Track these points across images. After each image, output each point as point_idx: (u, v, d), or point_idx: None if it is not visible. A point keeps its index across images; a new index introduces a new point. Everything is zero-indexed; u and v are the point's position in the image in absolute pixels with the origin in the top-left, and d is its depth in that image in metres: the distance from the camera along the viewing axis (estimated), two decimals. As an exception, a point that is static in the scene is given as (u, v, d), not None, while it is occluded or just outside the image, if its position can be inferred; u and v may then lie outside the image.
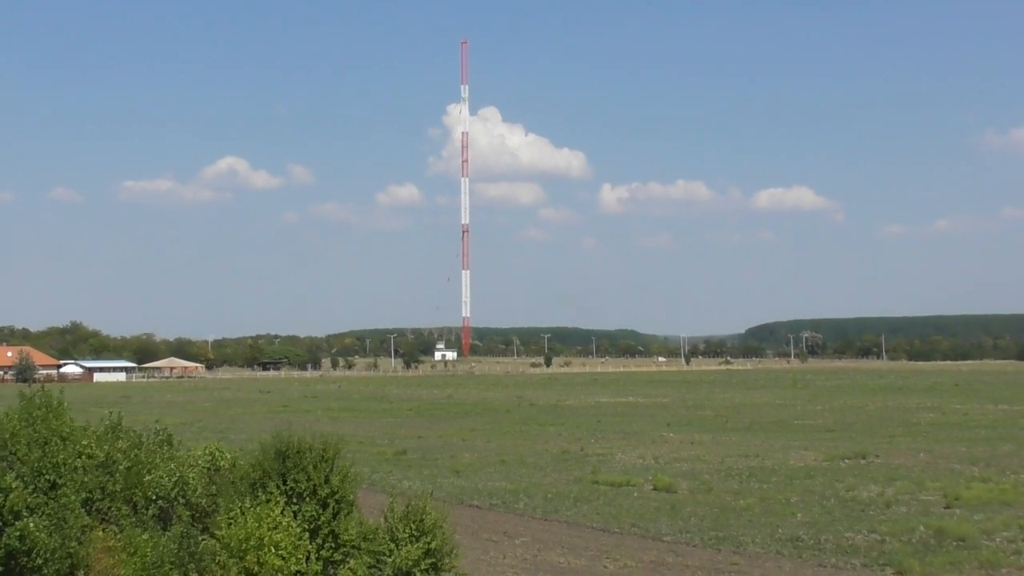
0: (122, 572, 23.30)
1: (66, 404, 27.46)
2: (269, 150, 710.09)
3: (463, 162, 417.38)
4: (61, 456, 24.35)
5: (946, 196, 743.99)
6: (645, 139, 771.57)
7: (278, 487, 25.18)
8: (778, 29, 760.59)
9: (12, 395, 28.10)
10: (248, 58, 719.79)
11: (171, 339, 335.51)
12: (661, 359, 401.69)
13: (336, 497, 25.45)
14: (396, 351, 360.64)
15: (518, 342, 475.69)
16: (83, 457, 26.95)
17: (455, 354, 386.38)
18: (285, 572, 23.46)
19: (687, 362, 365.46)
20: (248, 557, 23.56)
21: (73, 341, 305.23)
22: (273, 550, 23.60)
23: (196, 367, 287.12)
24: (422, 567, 24.97)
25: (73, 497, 23.71)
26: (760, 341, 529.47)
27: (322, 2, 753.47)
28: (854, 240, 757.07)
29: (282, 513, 24.42)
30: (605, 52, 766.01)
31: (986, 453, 68.28)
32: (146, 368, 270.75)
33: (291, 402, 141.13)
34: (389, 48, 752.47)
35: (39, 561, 22.32)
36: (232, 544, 23.78)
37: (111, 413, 30.24)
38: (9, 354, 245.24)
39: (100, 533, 25.02)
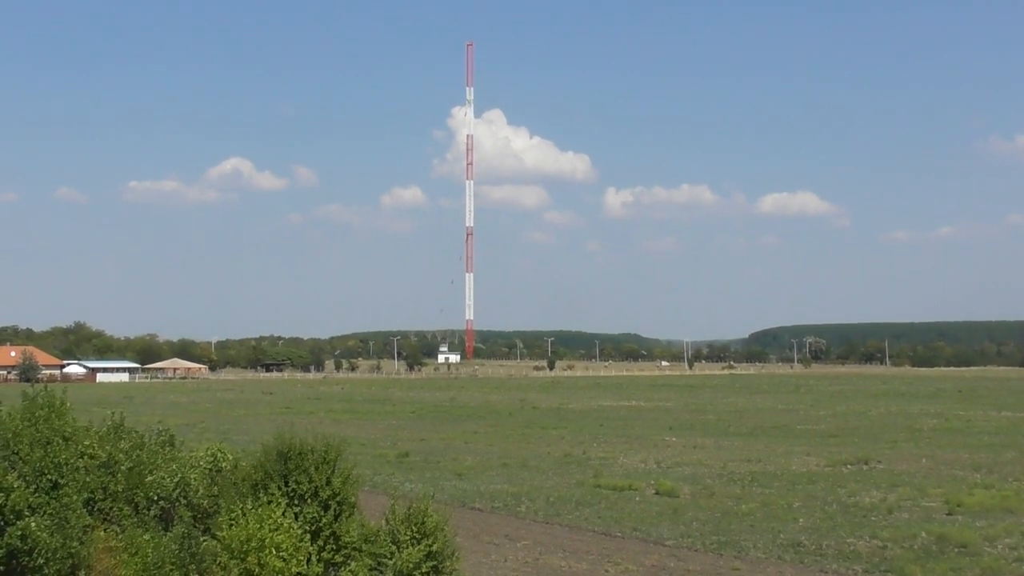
0: (123, 572, 23.33)
1: (68, 404, 27.49)
2: (274, 151, 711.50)
3: (468, 165, 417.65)
4: (63, 456, 24.39)
5: (951, 202, 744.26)
6: (650, 143, 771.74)
7: (280, 488, 25.20)
8: (783, 34, 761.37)
9: (15, 395, 28.12)
10: (254, 59, 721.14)
11: (175, 340, 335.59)
12: (664, 363, 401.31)
13: (338, 499, 25.47)
14: (399, 353, 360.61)
15: (521, 345, 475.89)
16: (85, 457, 26.99)
17: (458, 357, 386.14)
18: (286, 573, 23.48)
19: (690, 366, 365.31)
20: (249, 558, 23.58)
21: (76, 341, 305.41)
22: (274, 551, 23.62)
23: (199, 368, 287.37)
24: (423, 569, 25.00)
25: (75, 497, 23.75)
26: (764, 346, 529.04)
27: (327, 4, 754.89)
28: (858, 245, 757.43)
29: (283, 515, 24.44)
30: (611, 55, 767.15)
31: (989, 459, 68.20)
32: (149, 369, 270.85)
33: (294, 404, 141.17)
34: (394, 50, 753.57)
35: (40, 561, 22.36)
36: (233, 545, 23.80)
37: (113, 413, 30.26)
38: (12, 354, 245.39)
39: (102, 533, 25.06)
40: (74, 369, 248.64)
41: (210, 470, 28.57)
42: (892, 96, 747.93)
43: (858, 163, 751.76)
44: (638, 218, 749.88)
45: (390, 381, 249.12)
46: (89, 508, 25.33)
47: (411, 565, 24.84)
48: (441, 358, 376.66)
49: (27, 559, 22.38)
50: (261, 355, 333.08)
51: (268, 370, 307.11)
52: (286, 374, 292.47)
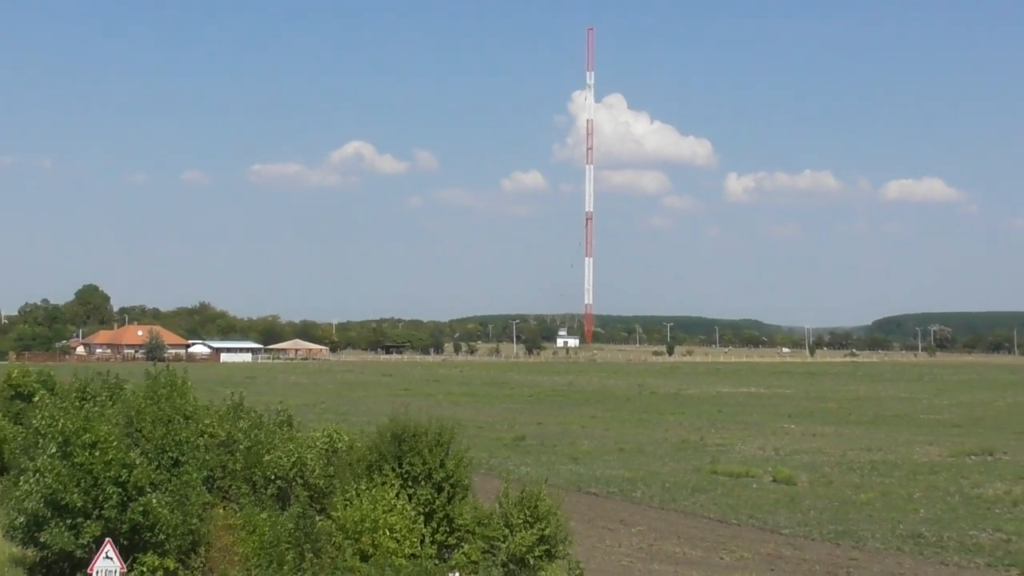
0: (241, 550, 23.73)
1: (190, 383, 28.02)
2: (395, 135, 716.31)
3: (588, 149, 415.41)
4: (184, 434, 24.85)
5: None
6: (773, 128, 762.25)
7: (393, 470, 25.43)
8: (909, 16, 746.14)
9: (141, 373, 28.73)
10: (374, 44, 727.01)
11: (296, 321, 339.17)
12: (785, 350, 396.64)
13: (451, 481, 25.63)
14: (518, 337, 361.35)
15: (640, 330, 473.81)
16: (205, 436, 27.53)
17: (577, 341, 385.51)
18: (399, 555, 23.68)
19: (811, 353, 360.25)
20: (363, 539, 23.83)
21: (201, 321, 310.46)
22: (388, 533, 23.85)
23: (320, 349, 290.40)
24: (536, 553, 25.03)
25: (195, 475, 24.19)
26: (887, 334, 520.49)
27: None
28: (987, 233, 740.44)
29: (397, 496, 24.67)
30: (733, 40, 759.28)
31: (1120, 453, 66.33)
32: (271, 349, 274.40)
33: (413, 386, 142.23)
34: (515, 34, 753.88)
35: (161, 536, 22.81)
36: (348, 525, 24.08)
37: (233, 393, 30.80)
38: (139, 333, 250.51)
39: (220, 511, 25.53)
40: (199, 349, 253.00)
41: (326, 451, 28.92)
42: (1022, 78, 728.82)
43: (987, 149, 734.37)
44: (760, 203, 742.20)
45: (509, 364, 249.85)
46: (208, 486, 25.80)
47: (524, 548, 24.89)
48: (560, 342, 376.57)
49: (149, 534, 22.85)
50: (381, 337, 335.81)
51: (388, 352, 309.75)
52: (406, 356, 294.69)
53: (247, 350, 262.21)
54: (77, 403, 25.85)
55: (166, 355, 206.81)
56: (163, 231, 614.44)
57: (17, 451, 28.30)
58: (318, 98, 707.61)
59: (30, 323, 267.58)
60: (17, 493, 23.59)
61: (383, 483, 25.01)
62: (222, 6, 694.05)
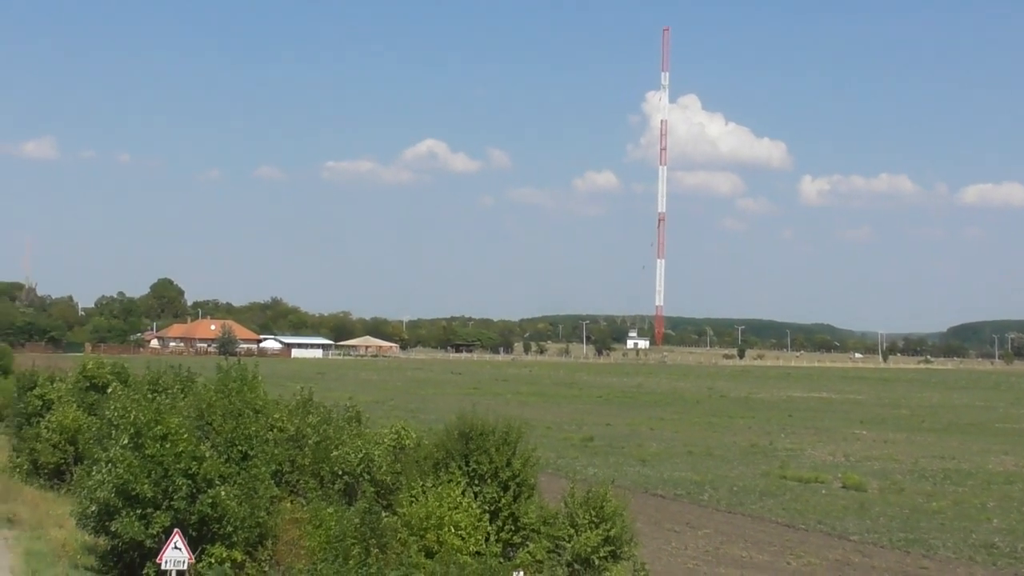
0: (308, 543, 23.88)
1: (260, 378, 28.25)
2: (468, 133, 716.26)
3: (661, 150, 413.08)
4: (253, 428, 25.08)
5: None
6: (849, 131, 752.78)
7: (460, 468, 25.48)
8: (988, 20, 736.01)
9: (214, 367, 29.01)
10: (448, 42, 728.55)
11: (367, 318, 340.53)
12: (857, 355, 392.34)
13: (517, 480, 25.64)
14: (588, 337, 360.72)
15: (711, 333, 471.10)
16: (274, 430, 27.77)
17: (647, 343, 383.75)
18: (464, 552, 23.73)
19: (884, 359, 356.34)
20: (428, 535, 23.90)
21: (273, 316, 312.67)
22: (453, 530, 23.91)
23: (390, 347, 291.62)
24: (601, 554, 25.00)
25: (263, 468, 24.42)
26: (963, 340, 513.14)
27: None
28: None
29: (463, 494, 24.72)
30: (810, 42, 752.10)
31: None
32: (342, 346, 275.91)
33: (482, 384, 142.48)
34: (590, 34, 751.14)
35: (229, 528, 23.06)
36: (413, 522, 24.16)
37: (302, 388, 30.99)
38: (213, 327, 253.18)
39: (288, 504, 25.74)
40: (270, 344, 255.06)
41: (393, 447, 29.06)
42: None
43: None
44: (835, 207, 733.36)
45: (578, 365, 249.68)
46: (277, 480, 26.00)
47: (589, 549, 24.87)
48: (630, 343, 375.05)
49: (217, 526, 23.11)
50: (451, 335, 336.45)
51: (458, 350, 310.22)
52: (475, 355, 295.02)
53: (318, 346, 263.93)
54: (149, 395, 26.16)
55: (238, 349, 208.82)
56: (237, 226, 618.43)
57: (91, 441, 28.77)
58: (392, 96, 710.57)
59: (106, 316, 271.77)
60: (90, 483, 23.97)
61: (449, 480, 25.08)
62: (296, 5, 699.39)
